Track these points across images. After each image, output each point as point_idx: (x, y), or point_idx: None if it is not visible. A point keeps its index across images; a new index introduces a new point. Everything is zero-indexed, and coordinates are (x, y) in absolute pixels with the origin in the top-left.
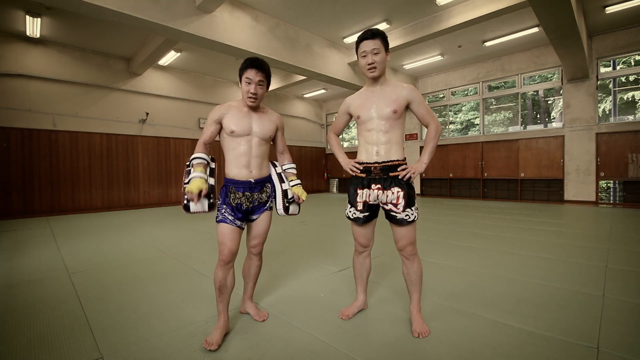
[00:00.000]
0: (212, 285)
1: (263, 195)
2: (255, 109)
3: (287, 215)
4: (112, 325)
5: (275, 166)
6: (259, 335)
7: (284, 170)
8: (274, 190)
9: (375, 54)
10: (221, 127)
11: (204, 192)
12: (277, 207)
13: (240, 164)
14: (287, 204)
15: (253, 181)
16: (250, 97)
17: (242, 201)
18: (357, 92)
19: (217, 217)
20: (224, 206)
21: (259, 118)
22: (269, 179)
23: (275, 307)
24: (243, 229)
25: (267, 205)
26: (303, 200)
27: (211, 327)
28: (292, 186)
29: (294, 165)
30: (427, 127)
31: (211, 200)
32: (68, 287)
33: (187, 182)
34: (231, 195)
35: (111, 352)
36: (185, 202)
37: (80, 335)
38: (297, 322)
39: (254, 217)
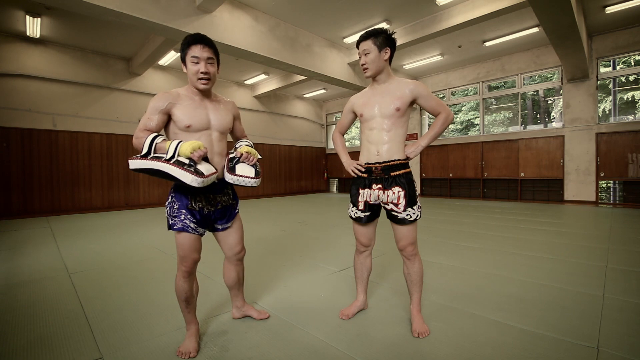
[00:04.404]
0: (211, 284)
1: (225, 197)
2: (208, 95)
3: (235, 177)
4: (112, 325)
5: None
6: (259, 335)
7: (236, 147)
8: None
9: (366, 54)
10: (169, 120)
11: (205, 152)
12: (225, 174)
13: None
14: (230, 165)
15: (217, 181)
16: (201, 78)
17: (203, 204)
18: (363, 90)
19: (174, 225)
20: (183, 211)
21: (214, 108)
22: None
23: (275, 307)
24: (203, 235)
25: (236, 209)
26: (254, 159)
27: (211, 327)
28: (238, 147)
29: (247, 140)
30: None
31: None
32: (68, 287)
33: (174, 149)
34: (191, 198)
35: (111, 352)
36: (192, 169)
37: (80, 335)
38: (297, 322)
39: (227, 225)
